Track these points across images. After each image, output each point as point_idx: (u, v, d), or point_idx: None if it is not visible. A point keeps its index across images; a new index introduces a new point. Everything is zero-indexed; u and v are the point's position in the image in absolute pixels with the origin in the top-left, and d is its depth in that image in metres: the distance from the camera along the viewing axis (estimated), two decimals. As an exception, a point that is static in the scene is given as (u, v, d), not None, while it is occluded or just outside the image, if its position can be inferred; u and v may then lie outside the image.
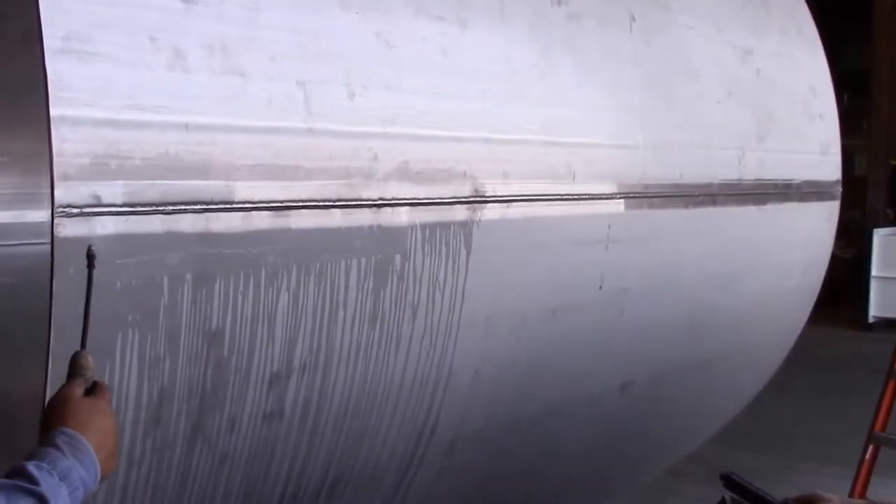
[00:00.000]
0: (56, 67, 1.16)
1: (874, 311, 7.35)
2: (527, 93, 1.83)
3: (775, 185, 2.59)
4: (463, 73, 1.70)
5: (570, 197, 1.91)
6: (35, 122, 1.15)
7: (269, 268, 1.40)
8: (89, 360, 1.01)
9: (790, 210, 2.68)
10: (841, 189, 2.95)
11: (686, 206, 2.26)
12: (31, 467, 0.88)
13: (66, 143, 1.17)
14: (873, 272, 7.37)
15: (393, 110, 1.55)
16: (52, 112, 1.16)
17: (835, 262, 3.40)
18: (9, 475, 0.88)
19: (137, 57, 1.25)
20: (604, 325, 2.10)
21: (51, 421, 0.96)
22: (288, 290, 1.42)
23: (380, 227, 1.54)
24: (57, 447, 0.91)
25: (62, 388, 1.00)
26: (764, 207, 2.54)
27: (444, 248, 1.65)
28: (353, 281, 1.51)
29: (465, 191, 1.68)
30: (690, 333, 2.42)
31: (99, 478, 0.94)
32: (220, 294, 1.34)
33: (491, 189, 1.73)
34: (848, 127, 3.39)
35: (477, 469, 1.98)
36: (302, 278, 1.44)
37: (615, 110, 2.05)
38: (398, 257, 1.57)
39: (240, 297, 1.36)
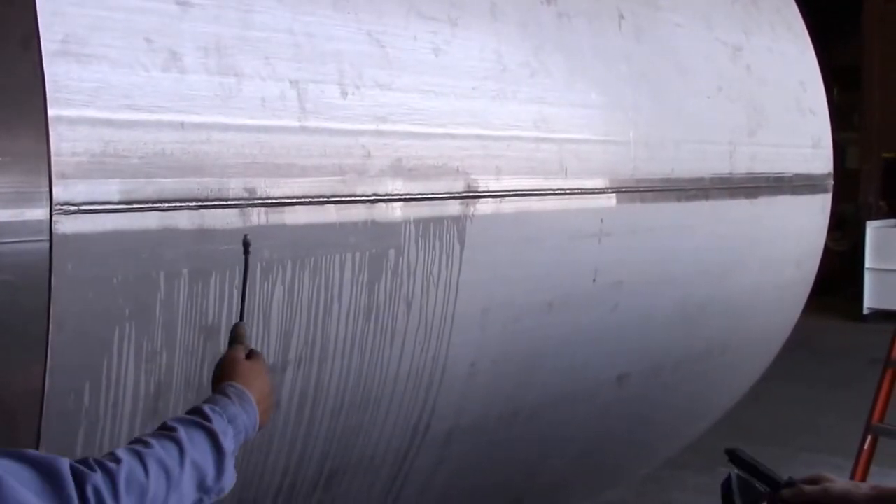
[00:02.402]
0: (54, 69, 1.19)
1: (868, 302, 7.36)
2: (518, 90, 1.85)
3: (767, 179, 2.61)
4: (454, 72, 1.72)
5: (562, 192, 1.94)
6: (34, 123, 1.17)
7: (265, 263, 1.42)
8: (246, 330, 1.18)
9: (782, 203, 2.70)
10: (833, 182, 2.98)
11: (678, 199, 2.28)
12: (207, 408, 1.02)
13: (64, 142, 1.20)
14: (867, 264, 7.39)
15: (385, 108, 1.58)
16: (50, 112, 1.18)
17: (829, 254, 3.42)
18: (188, 413, 1.02)
19: (133, 58, 1.27)
20: (598, 319, 2.12)
21: (221, 377, 1.10)
22: (283, 284, 1.45)
23: (374, 223, 1.56)
24: (227, 396, 1.05)
25: (228, 351, 1.15)
26: (756, 201, 2.57)
27: (437, 243, 1.68)
28: (347, 275, 1.53)
29: (458, 186, 1.71)
30: (685, 326, 2.44)
31: (257, 427, 1.07)
32: (215, 289, 1.36)
33: (484, 184, 1.75)
34: (839, 121, 3.42)
35: (474, 460, 2.00)
36: (297, 273, 1.46)
37: (606, 107, 2.08)
38: (392, 252, 1.60)
39: (236, 292, 1.39)
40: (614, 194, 2.07)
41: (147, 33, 1.29)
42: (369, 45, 1.57)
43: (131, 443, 0.96)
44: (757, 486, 1.22)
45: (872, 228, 7.52)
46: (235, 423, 1.03)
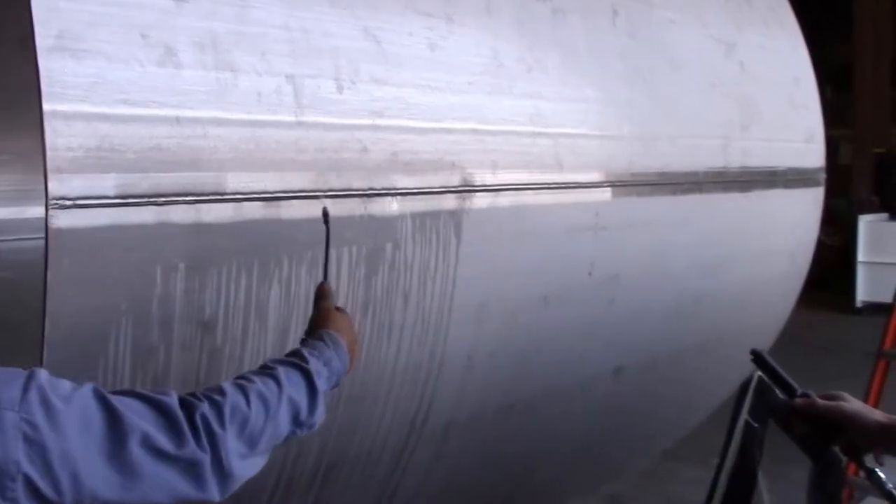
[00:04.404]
0: (48, 64, 1.18)
1: (861, 295, 7.41)
2: (514, 85, 1.86)
3: (760, 173, 2.63)
4: (450, 67, 1.73)
5: (557, 186, 1.95)
6: (31, 120, 1.17)
7: (261, 257, 1.42)
8: (331, 287, 1.29)
9: (775, 196, 2.72)
10: (825, 175, 3.00)
11: (673, 193, 2.30)
12: (305, 352, 1.13)
13: (59, 137, 1.19)
14: (860, 258, 7.44)
15: (381, 103, 1.58)
16: (45, 107, 1.18)
17: (822, 248, 3.44)
18: (288, 355, 1.13)
19: (129, 53, 1.27)
20: (594, 312, 2.13)
21: (317, 324, 1.22)
22: (280, 279, 1.45)
23: (370, 217, 1.56)
24: (323, 341, 1.17)
25: (322, 304, 1.26)
26: (749, 194, 2.58)
27: (434, 237, 1.68)
28: (344, 269, 1.54)
29: (454, 180, 1.71)
30: (680, 319, 2.45)
31: (347, 371, 1.19)
32: (212, 284, 1.37)
33: (480, 179, 1.76)
34: (832, 118, 3.44)
35: (472, 454, 2.01)
36: (294, 268, 1.47)
37: (601, 102, 2.08)
38: (389, 246, 1.60)
39: (232, 287, 1.39)
40: (609, 188, 2.08)
41: (142, 28, 1.29)
42: (365, 41, 1.57)
43: (235, 378, 1.06)
44: (775, 391, 1.23)
45: (865, 222, 7.57)
46: (330, 365, 1.13)
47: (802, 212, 2.92)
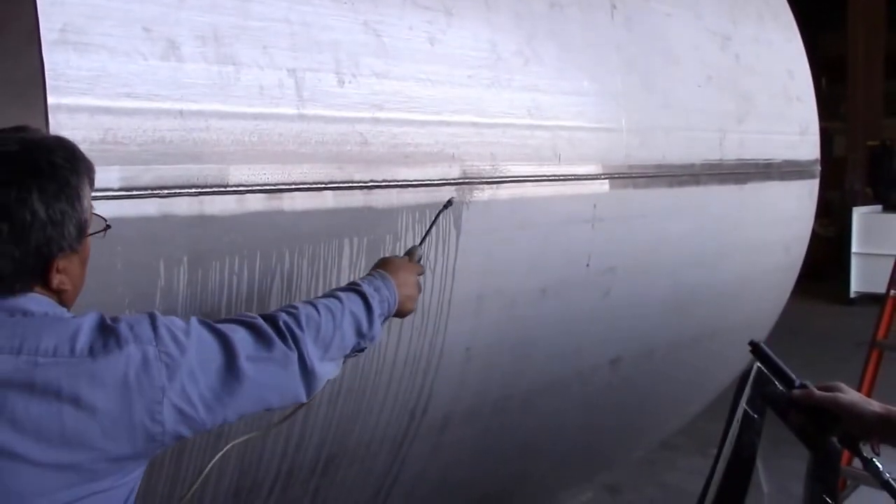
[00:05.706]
0: (53, 57, 1.19)
1: (855, 286, 7.47)
2: (512, 78, 1.87)
3: (756, 165, 2.65)
4: (449, 60, 1.74)
5: (555, 178, 1.96)
6: (37, 114, 1.18)
7: (264, 249, 1.44)
8: (418, 251, 1.50)
9: (771, 188, 2.74)
10: (820, 168, 3.02)
11: (669, 185, 2.32)
12: (358, 280, 1.33)
13: (63, 129, 1.20)
14: (853, 249, 7.49)
15: (382, 96, 1.59)
16: (50, 100, 1.19)
17: (817, 240, 3.46)
18: (348, 284, 1.32)
19: (132, 47, 1.28)
20: (591, 303, 2.15)
21: (376, 265, 1.41)
22: (282, 270, 1.46)
23: (371, 209, 1.58)
24: (372, 275, 1.35)
25: (397, 256, 1.47)
26: (745, 186, 2.60)
27: (433, 229, 1.69)
28: (345, 261, 1.55)
29: (453, 173, 1.72)
30: (676, 310, 2.48)
31: (397, 306, 1.34)
32: (215, 276, 1.38)
33: (479, 171, 1.77)
34: (826, 111, 3.46)
35: (470, 445, 2.03)
36: (295, 259, 1.48)
37: (598, 95, 2.10)
38: (389, 238, 1.62)
39: (235, 279, 1.40)
40: (607, 180, 2.09)
41: (145, 22, 1.30)
42: (366, 35, 1.58)
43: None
44: (774, 382, 1.24)
45: (859, 214, 7.62)
46: (380, 292, 1.31)
47: (797, 204, 2.94)
